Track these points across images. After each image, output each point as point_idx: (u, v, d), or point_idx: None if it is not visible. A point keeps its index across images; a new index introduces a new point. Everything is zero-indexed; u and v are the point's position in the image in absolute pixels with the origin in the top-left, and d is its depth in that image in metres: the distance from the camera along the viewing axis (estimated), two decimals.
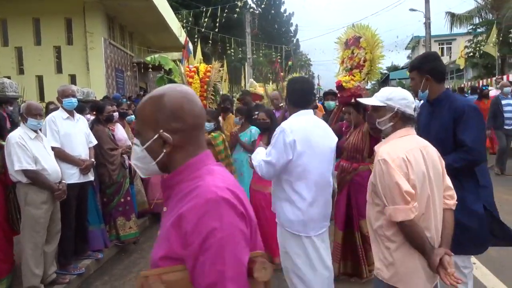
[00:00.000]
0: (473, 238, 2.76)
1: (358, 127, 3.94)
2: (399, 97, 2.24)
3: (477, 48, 21.55)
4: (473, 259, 4.54)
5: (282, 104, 6.41)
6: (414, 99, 2.43)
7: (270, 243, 4.47)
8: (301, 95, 3.04)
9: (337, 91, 4.39)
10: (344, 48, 4.35)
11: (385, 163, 2.09)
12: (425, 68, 2.94)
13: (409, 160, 2.09)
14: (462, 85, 19.98)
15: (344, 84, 4.13)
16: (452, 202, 2.30)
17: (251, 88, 9.93)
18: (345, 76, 4.22)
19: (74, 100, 4.51)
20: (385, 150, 2.16)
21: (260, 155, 2.99)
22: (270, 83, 10.34)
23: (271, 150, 2.84)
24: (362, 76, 4.13)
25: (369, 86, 4.28)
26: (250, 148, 5.15)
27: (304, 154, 2.80)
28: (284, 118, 6.05)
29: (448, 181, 2.32)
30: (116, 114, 5.76)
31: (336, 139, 3.10)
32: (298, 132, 2.82)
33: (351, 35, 4.26)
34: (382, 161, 2.11)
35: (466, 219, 2.67)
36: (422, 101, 3.23)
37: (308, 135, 2.85)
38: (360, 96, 3.78)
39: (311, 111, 3.05)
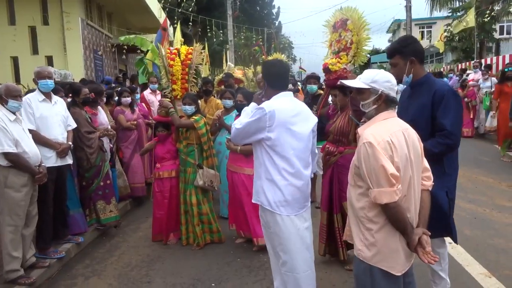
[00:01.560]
0: (440, 220, 2.86)
1: (345, 110, 3.95)
2: (383, 80, 2.24)
3: (454, 31, 21.59)
4: (448, 238, 4.69)
5: None
6: (398, 84, 2.44)
7: (249, 223, 4.54)
8: (280, 78, 3.06)
9: (324, 74, 4.39)
10: (332, 31, 4.33)
11: (370, 146, 2.10)
12: (408, 50, 2.92)
13: (393, 143, 2.11)
14: (442, 69, 20.27)
15: (330, 66, 4.13)
16: (429, 183, 2.35)
17: (229, 72, 9.91)
18: (332, 58, 4.20)
19: (50, 82, 4.40)
20: (369, 133, 2.16)
21: (245, 113, 3.02)
22: (252, 66, 10.28)
23: (244, 120, 2.92)
24: (349, 59, 4.10)
25: (350, 68, 4.26)
26: None
27: (283, 134, 2.86)
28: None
29: (425, 162, 2.36)
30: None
31: (316, 120, 3.15)
32: (277, 112, 2.85)
33: (339, 18, 4.23)
34: (367, 144, 2.11)
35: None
36: (404, 86, 3.20)
37: (288, 116, 2.89)
38: (346, 79, 3.81)
39: (290, 93, 3.08)
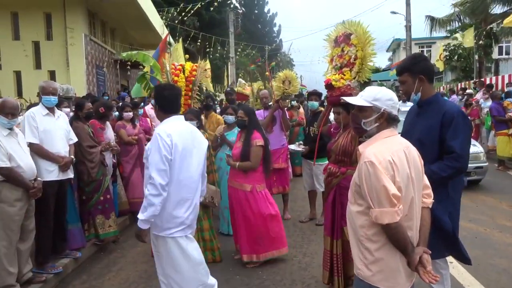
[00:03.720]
0: (443, 241, 2.85)
1: (348, 128, 3.77)
2: (385, 98, 2.22)
3: (455, 47, 21.75)
4: (450, 258, 4.65)
5: (271, 103, 6.44)
6: (406, 102, 2.44)
7: (254, 240, 4.50)
8: (172, 101, 3.16)
9: (326, 90, 4.19)
10: (334, 46, 4.17)
11: (372, 165, 2.07)
12: (417, 68, 2.90)
13: (395, 162, 2.09)
14: (442, 88, 20.39)
15: (334, 83, 3.94)
16: (430, 201, 2.33)
17: (239, 88, 9.97)
18: (335, 74, 4.04)
19: (53, 98, 4.42)
20: (371, 151, 2.13)
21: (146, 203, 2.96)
22: (266, 83, 10.37)
23: (154, 158, 2.90)
24: (353, 75, 3.94)
25: (354, 85, 4.05)
26: None
27: (178, 157, 2.95)
28: (273, 117, 6.12)
29: (426, 179, 2.34)
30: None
31: (207, 143, 3.32)
32: (174, 135, 2.95)
33: (341, 32, 4.07)
34: (369, 163, 2.08)
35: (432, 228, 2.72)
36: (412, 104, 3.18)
37: (182, 139, 3.00)
38: (350, 96, 3.58)
39: (182, 116, 3.23)
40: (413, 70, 2.91)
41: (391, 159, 2.09)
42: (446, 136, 2.79)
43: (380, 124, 2.24)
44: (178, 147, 2.93)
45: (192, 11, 19.39)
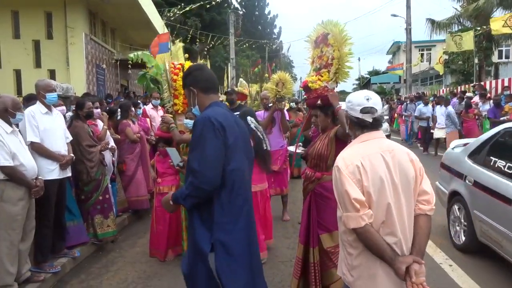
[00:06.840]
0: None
1: (326, 131, 3.56)
2: (347, 101, 2.19)
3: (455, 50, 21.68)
4: (450, 261, 4.65)
5: (271, 104, 6.45)
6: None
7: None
8: None
9: (304, 93, 3.95)
10: (314, 47, 4.01)
11: (338, 170, 2.06)
12: (187, 81, 2.63)
13: (363, 166, 2.04)
14: (441, 91, 20.38)
15: (310, 84, 3.75)
16: (428, 207, 2.16)
17: (240, 88, 10.01)
18: (312, 76, 3.86)
19: (56, 94, 4.49)
20: (341, 156, 2.12)
21: None
22: (265, 83, 10.40)
23: None
24: (330, 76, 3.71)
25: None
26: None
27: None
28: (273, 118, 6.11)
29: (424, 185, 2.19)
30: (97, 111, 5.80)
31: None
32: None
33: (320, 32, 3.89)
34: (336, 168, 2.09)
35: (192, 256, 2.41)
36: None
37: None
38: (327, 97, 3.54)
39: None
40: (184, 83, 2.70)
41: (359, 163, 2.04)
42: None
43: (350, 128, 2.23)
44: None
45: (192, 11, 19.42)
